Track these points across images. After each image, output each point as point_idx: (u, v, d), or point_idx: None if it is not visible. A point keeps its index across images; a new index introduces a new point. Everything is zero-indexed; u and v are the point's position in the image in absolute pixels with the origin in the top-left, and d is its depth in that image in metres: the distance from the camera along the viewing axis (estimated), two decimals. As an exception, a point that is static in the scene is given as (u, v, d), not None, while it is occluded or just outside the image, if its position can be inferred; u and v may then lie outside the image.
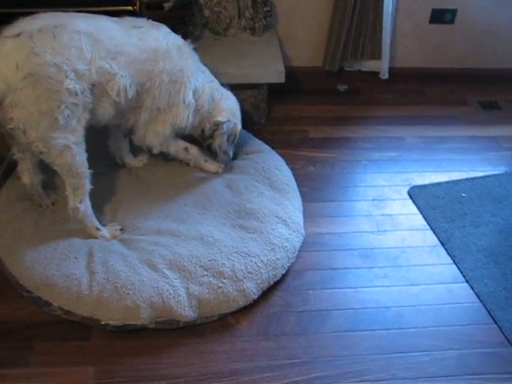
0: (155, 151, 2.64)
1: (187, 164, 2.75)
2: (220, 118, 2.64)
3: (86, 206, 2.33)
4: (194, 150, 2.71)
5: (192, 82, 2.52)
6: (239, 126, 2.75)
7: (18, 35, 2.07)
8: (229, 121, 2.66)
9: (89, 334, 2.13)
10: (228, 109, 2.69)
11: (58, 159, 2.21)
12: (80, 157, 2.24)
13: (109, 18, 2.36)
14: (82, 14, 2.29)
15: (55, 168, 2.27)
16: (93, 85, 2.20)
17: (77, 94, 2.14)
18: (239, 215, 2.49)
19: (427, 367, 2.07)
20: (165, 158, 2.73)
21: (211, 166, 2.75)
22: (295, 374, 2.03)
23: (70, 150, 2.19)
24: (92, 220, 2.38)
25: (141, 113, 2.48)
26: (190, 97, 2.51)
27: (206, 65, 2.70)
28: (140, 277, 2.17)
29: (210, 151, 2.71)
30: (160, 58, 2.39)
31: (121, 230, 2.43)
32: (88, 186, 2.32)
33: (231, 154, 2.74)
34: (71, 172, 2.25)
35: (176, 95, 2.47)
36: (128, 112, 2.46)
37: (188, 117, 2.55)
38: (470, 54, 3.76)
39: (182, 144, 2.69)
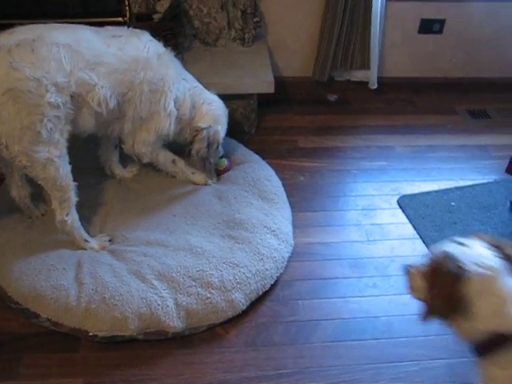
0: (145, 160, 2.64)
1: (173, 177, 2.74)
2: (200, 124, 2.63)
3: (73, 219, 2.33)
4: (181, 163, 2.71)
5: (173, 91, 2.50)
6: (222, 133, 2.71)
7: None
8: (210, 127, 2.63)
9: (77, 345, 2.12)
10: (210, 114, 2.66)
11: (41, 173, 2.20)
12: (64, 169, 2.23)
13: (88, 27, 2.35)
14: (60, 25, 2.29)
15: (39, 182, 2.26)
16: (72, 96, 2.19)
17: (58, 107, 2.13)
18: (228, 225, 2.49)
19: (416, 377, 2.07)
20: (154, 168, 2.73)
21: (199, 177, 2.74)
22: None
23: (54, 164, 2.18)
24: (80, 232, 2.37)
25: (124, 123, 2.47)
26: (171, 106, 2.51)
27: (193, 74, 2.70)
28: (128, 288, 2.17)
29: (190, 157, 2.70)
30: (140, 68, 2.38)
31: (110, 240, 2.43)
32: (74, 199, 2.31)
33: (212, 161, 2.70)
34: (56, 185, 2.24)
35: (157, 104, 2.46)
36: (112, 122, 2.46)
37: (170, 125, 2.54)
38: (458, 64, 3.79)
39: (170, 156, 2.69)
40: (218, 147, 2.70)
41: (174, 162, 2.70)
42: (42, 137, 2.12)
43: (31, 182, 2.40)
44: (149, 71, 2.40)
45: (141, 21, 2.99)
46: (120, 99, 2.37)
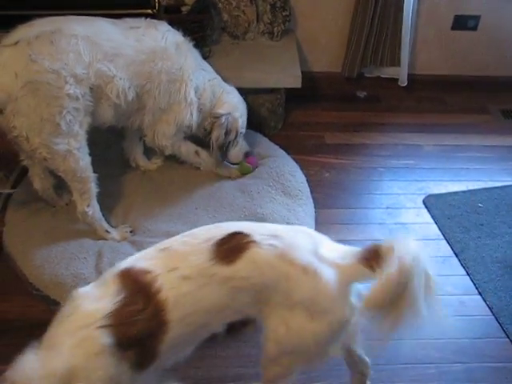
0: (167, 152, 2.64)
1: (198, 168, 2.74)
2: (220, 110, 2.62)
3: (94, 210, 2.35)
4: (204, 154, 2.70)
5: (193, 81, 2.50)
6: (240, 121, 2.68)
7: (16, 43, 2.08)
8: (229, 114, 2.62)
9: (95, 334, 2.14)
10: (230, 102, 2.66)
11: (61, 165, 2.23)
12: (83, 161, 2.25)
13: (106, 19, 2.36)
14: (79, 17, 2.30)
15: (60, 174, 2.28)
16: (91, 88, 2.20)
17: (77, 99, 2.14)
18: (250, 220, 2.48)
19: (434, 380, 2.04)
20: (178, 160, 2.73)
21: (223, 170, 2.74)
22: (299, 381, 1.98)
23: (73, 156, 2.20)
24: (101, 223, 2.39)
25: (144, 115, 2.48)
26: (191, 95, 2.50)
27: (221, 67, 2.72)
28: (147, 279, 2.17)
29: (209, 147, 2.68)
30: (158, 58, 2.37)
31: (131, 231, 2.44)
32: (94, 190, 2.33)
33: (228, 152, 2.68)
34: (76, 177, 2.26)
35: (176, 94, 2.46)
36: (131, 114, 2.46)
37: (191, 115, 2.54)
38: (492, 62, 3.71)
39: (193, 147, 2.69)
40: (236, 137, 2.67)
41: (197, 152, 2.70)
42: (61, 129, 2.13)
43: (54, 173, 2.42)
44: (166, 61, 2.40)
45: (169, 13, 2.99)
46: (139, 91, 2.37)
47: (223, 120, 2.60)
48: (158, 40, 2.40)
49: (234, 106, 2.66)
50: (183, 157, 2.70)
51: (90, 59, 2.18)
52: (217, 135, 2.61)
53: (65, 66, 2.10)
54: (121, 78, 2.27)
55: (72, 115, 2.15)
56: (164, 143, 2.58)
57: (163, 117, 2.50)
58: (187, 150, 2.67)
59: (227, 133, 2.62)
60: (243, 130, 2.71)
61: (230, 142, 2.64)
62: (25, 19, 2.18)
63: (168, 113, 2.50)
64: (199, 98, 2.56)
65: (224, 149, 2.64)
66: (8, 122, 2.10)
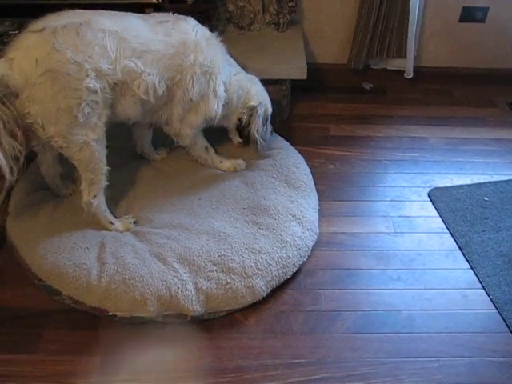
0: (186, 142, 2.63)
1: (202, 164, 2.76)
2: (253, 103, 2.67)
3: (99, 201, 2.34)
4: (212, 151, 2.74)
5: (222, 74, 2.51)
6: (270, 108, 2.78)
7: (42, 30, 2.07)
8: (261, 103, 2.69)
9: (97, 324, 2.15)
10: (258, 93, 2.72)
11: (77, 154, 2.22)
12: (100, 153, 2.25)
13: (135, 14, 2.35)
14: (109, 12, 2.29)
15: (73, 162, 2.28)
16: (115, 83, 2.19)
17: (96, 92, 2.13)
18: (253, 211, 2.47)
19: (435, 373, 2.02)
20: (183, 152, 2.73)
21: (227, 165, 2.76)
22: (299, 373, 2.01)
23: (90, 147, 2.20)
24: (105, 214, 2.39)
25: (173, 107, 2.46)
26: (221, 89, 2.52)
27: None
28: (149, 269, 2.17)
29: (247, 140, 2.77)
30: (190, 51, 2.37)
31: (135, 222, 2.44)
32: (104, 183, 2.33)
33: (268, 138, 2.78)
34: (89, 167, 2.26)
35: (207, 86, 2.46)
36: (159, 108, 2.45)
37: (218, 107, 2.54)
38: (500, 54, 3.67)
39: (205, 143, 2.71)
40: (267, 122, 2.75)
41: (206, 148, 2.72)
42: (78, 120, 2.13)
43: (62, 162, 2.43)
44: (199, 54, 2.39)
45: (174, 2, 2.98)
46: (169, 83, 2.36)
47: (259, 111, 2.68)
48: (189, 33, 2.40)
49: (263, 96, 2.74)
50: (195, 150, 2.71)
51: (117, 55, 2.16)
52: (256, 127, 2.68)
53: (88, 58, 2.09)
54: (149, 74, 2.26)
55: (91, 107, 2.13)
56: (188, 132, 2.57)
57: (192, 108, 2.49)
58: (201, 143, 2.69)
59: (264, 122, 2.71)
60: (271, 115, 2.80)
61: (266, 128, 2.74)
62: (55, 9, 2.19)
63: (198, 104, 2.49)
64: (226, 92, 2.57)
65: (263, 137, 2.71)
66: (23, 107, 2.10)
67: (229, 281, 2.18)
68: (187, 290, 2.13)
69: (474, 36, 3.60)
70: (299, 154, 2.86)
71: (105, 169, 2.31)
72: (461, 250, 2.51)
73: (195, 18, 2.86)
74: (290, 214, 2.46)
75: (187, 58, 2.36)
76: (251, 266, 2.22)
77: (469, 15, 3.52)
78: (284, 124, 3.24)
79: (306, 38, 3.41)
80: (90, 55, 2.10)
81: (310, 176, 2.73)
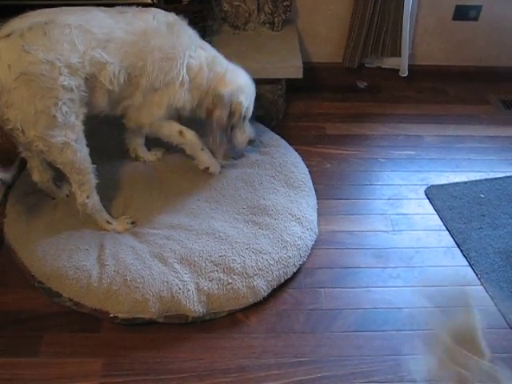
0: (145, 131, 2.58)
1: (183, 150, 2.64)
2: (222, 90, 2.48)
3: (93, 201, 2.33)
4: (189, 134, 2.58)
5: (185, 59, 2.42)
6: (245, 104, 2.54)
7: (9, 35, 2.05)
8: (232, 94, 2.49)
9: (98, 326, 2.14)
10: (234, 82, 2.52)
11: (59, 157, 2.20)
12: (81, 153, 2.22)
13: (98, 8, 2.33)
14: (71, 8, 2.27)
15: (58, 166, 2.27)
16: (86, 78, 2.18)
17: (72, 90, 2.11)
18: (252, 211, 2.48)
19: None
20: (179, 151, 2.69)
21: (205, 156, 2.64)
22: (302, 372, 2.01)
23: (71, 147, 2.18)
24: (102, 214, 2.38)
25: (135, 97, 2.41)
26: (183, 73, 2.42)
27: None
28: (150, 270, 2.17)
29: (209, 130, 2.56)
30: (150, 37, 2.33)
31: (133, 223, 2.43)
32: (94, 181, 2.31)
33: (227, 138, 2.56)
34: (74, 169, 2.24)
35: (170, 73, 2.39)
36: (125, 98, 2.41)
37: (184, 95, 2.45)
38: (493, 52, 3.69)
39: (176, 127, 2.56)
40: (239, 120, 2.56)
41: (180, 132, 2.57)
42: (57, 121, 2.11)
43: (53, 165, 2.40)
44: (159, 39, 2.35)
45: (169, 3, 2.96)
46: (130, 71, 2.31)
47: (226, 100, 2.48)
48: (149, 21, 2.37)
49: (238, 87, 2.53)
50: (165, 138, 2.59)
51: (85, 48, 2.15)
52: (218, 115, 2.49)
53: (59, 56, 2.08)
54: (112, 63, 2.23)
55: (68, 106, 2.12)
56: (145, 121, 2.49)
57: (155, 98, 2.43)
58: (169, 129, 2.56)
59: (230, 115, 2.52)
60: (248, 115, 2.61)
61: (233, 124, 2.56)
62: (19, 9, 2.16)
63: (162, 93, 2.43)
64: (194, 78, 2.47)
65: (228, 131, 2.54)
66: (2, 114, 2.07)
67: (230, 281, 2.18)
68: (188, 290, 2.13)
69: (468, 34, 3.61)
70: (297, 154, 2.87)
71: (90, 167, 2.29)
72: (459, 247, 2.53)
73: (190, 18, 2.87)
74: (290, 214, 2.46)
75: (148, 44, 2.33)
76: (252, 266, 2.23)
77: (462, 13, 3.53)
78: (280, 123, 3.24)
79: (301, 37, 3.41)
80: (61, 52, 2.08)
81: (309, 175, 2.74)
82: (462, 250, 2.51)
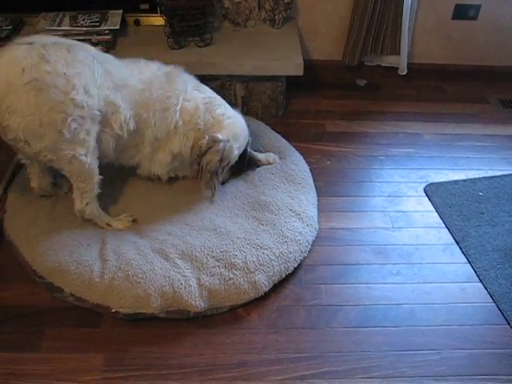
0: (164, 180, 2.60)
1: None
2: (219, 135, 2.44)
3: (92, 208, 2.33)
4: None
5: (178, 104, 2.43)
6: (235, 153, 2.51)
7: (31, 43, 2.05)
8: (228, 141, 2.45)
9: (99, 321, 2.14)
10: (230, 129, 2.50)
11: (66, 166, 2.20)
12: (90, 165, 2.21)
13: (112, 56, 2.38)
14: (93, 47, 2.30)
15: (64, 173, 2.26)
16: (99, 110, 2.17)
17: (83, 107, 2.08)
18: (253, 207, 2.49)
19: (437, 366, 2.05)
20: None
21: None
22: (303, 367, 2.02)
23: (80, 161, 2.17)
24: (101, 218, 2.39)
25: (143, 148, 2.45)
26: (176, 118, 2.44)
27: (222, 54, 2.70)
28: (152, 266, 2.18)
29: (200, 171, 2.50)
30: (154, 88, 2.37)
31: (134, 220, 2.44)
32: (96, 190, 2.31)
33: (218, 178, 2.50)
34: (80, 178, 2.24)
35: (168, 122, 2.43)
36: (131, 147, 2.43)
37: (180, 139, 2.48)
38: (492, 51, 3.70)
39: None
40: (227, 165, 2.51)
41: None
42: (64, 136, 2.08)
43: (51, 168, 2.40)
44: (158, 90, 2.39)
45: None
46: (137, 120, 2.34)
47: (220, 146, 2.42)
48: (154, 71, 2.42)
49: (234, 135, 2.50)
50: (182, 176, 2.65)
51: (101, 83, 2.15)
52: (209, 159, 2.43)
53: (77, 74, 2.06)
54: (124, 109, 2.26)
55: (77, 123, 2.08)
56: (160, 172, 2.54)
57: (160, 148, 2.47)
58: (184, 173, 2.64)
59: (221, 160, 2.44)
60: (234, 161, 2.55)
61: (221, 168, 2.48)
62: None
63: (164, 143, 2.47)
64: (190, 119, 2.46)
65: (214, 174, 2.47)
66: (2, 119, 2.03)
67: (231, 276, 2.19)
68: (190, 285, 2.14)
69: (467, 33, 3.62)
70: (297, 152, 2.87)
71: (97, 178, 2.28)
72: (458, 244, 2.54)
73: (191, 15, 2.92)
74: (290, 210, 2.47)
75: (152, 95, 2.37)
76: (253, 262, 2.23)
77: (461, 12, 3.53)
78: (280, 120, 3.25)
79: (301, 35, 3.41)
80: (80, 72, 2.07)
81: (309, 172, 2.75)
82: (461, 247, 2.52)
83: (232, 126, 2.53)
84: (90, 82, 2.11)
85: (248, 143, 2.63)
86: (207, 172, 2.45)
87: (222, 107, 2.56)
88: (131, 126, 2.31)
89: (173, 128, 2.45)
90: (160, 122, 2.41)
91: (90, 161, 2.20)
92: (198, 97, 2.51)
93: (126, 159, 2.49)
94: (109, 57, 2.33)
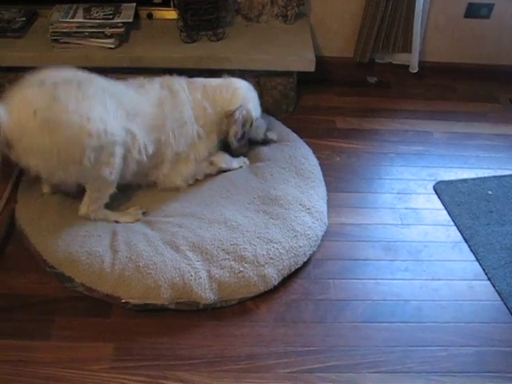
0: (184, 187, 2.60)
1: None
2: (230, 107, 2.57)
3: (97, 213, 2.36)
4: (219, 161, 2.68)
5: (189, 116, 2.48)
6: (253, 113, 2.64)
7: (42, 83, 2.07)
8: (241, 106, 2.58)
9: (109, 311, 2.16)
10: (235, 95, 2.60)
11: (90, 183, 2.28)
12: (113, 181, 2.27)
13: (120, 82, 2.39)
14: (101, 77, 2.30)
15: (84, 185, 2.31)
16: (119, 136, 2.20)
17: (99, 137, 2.10)
18: (263, 201, 2.49)
19: (444, 362, 2.05)
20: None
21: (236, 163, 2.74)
22: (311, 361, 2.03)
23: (105, 179, 2.23)
24: (107, 218, 2.40)
25: (163, 166, 2.49)
26: (194, 128, 2.51)
27: (234, 49, 2.76)
28: (162, 257, 2.19)
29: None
30: (165, 109, 2.40)
31: (144, 213, 2.45)
32: (107, 200, 2.36)
33: (246, 143, 2.68)
34: (98, 190, 2.30)
35: (187, 136, 2.48)
36: (150, 168, 2.48)
37: (205, 144, 2.55)
38: (504, 51, 3.69)
39: (204, 167, 2.65)
40: (252, 124, 2.64)
41: (211, 163, 2.66)
42: (85, 167, 2.12)
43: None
44: (170, 109, 2.42)
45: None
46: (156, 143, 2.39)
47: (237, 115, 2.55)
48: (158, 90, 2.44)
49: (242, 98, 2.61)
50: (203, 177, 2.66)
51: (115, 115, 2.17)
52: (235, 131, 2.58)
53: (89, 110, 2.08)
54: (141, 136, 2.29)
55: (96, 152, 2.12)
56: (179, 183, 2.56)
57: (182, 160, 2.52)
58: (202, 172, 2.64)
59: (244, 124, 2.59)
60: (258, 114, 2.69)
61: (247, 132, 2.63)
62: None
63: (185, 155, 2.52)
64: (205, 122, 2.54)
65: (244, 139, 2.63)
66: (20, 160, 2.10)
67: (241, 269, 2.20)
68: (200, 277, 2.15)
69: (479, 32, 3.61)
70: (307, 146, 2.88)
71: (112, 190, 2.33)
72: (466, 242, 2.54)
73: (204, 9, 2.92)
74: (300, 204, 2.48)
75: (164, 116, 2.39)
76: (263, 255, 2.24)
77: (474, 11, 3.52)
78: (290, 115, 3.26)
79: (313, 31, 3.40)
80: (91, 107, 2.09)
81: (319, 167, 2.76)
82: (469, 246, 2.52)
83: (235, 91, 2.61)
84: (103, 114, 2.13)
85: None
86: (235, 142, 2.61)
87: (215, 86, 2.60)
88: (150, 150, 2.36)
89: (196, 138, 2.52)
90: (180, 139, 2.46)
91: (114, 178, 2.25)
92: (197, 97, 2.54)
93: (145, 179, 2.53)
94: (118, 86, 2.32)
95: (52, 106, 2.03)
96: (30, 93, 2.05)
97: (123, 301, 2.12)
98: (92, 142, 2.08)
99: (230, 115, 2.57)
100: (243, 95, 2.63)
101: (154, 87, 2.44)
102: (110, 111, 2.15)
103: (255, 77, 3.08)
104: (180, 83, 2.53)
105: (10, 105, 2.05)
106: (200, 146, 2.55)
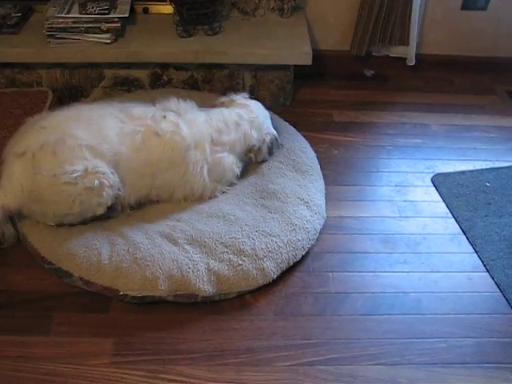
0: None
1: None
2: (253, 142, 2.57)
3: None
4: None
5: (192, 152, 2.39)
6: (272, 129, 2.69)
7: (23, 154, 2.16)
8: (263, 137, 2.60)
9: (108, 306, 2.15)
10: (254, 126, 2.57)
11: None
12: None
13: (112, 112, 2.34)
14: (86, 117, 2.29)
15: None
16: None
17: (82, 182, 2.16)
18: (261, 195, 2.49)
19: (443, 354, 2.05)
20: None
21: None
22: (311, 354, 2.03)
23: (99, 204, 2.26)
24: None
25: (174, 198, 2.47)
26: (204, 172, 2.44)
27: (231, 43, 2.77)
28: (160, 250, 2.19)
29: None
30: (163, 155, 2.35)
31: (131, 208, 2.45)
32: None
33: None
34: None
35: (197, 170, 2.41)
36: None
37: (234, 170, 2.54)
38: (501, 42, 3.69)
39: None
40: (277, 141, 2.71)
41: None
42: (77, 208, 2.21)
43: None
44: (168, 150, 2.35)
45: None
46: (153, 192, 2.41)
47: (264, 149, 2.62)
48: (148, 123, 2.35)
49: (259, 127, 2.60)
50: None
51: (93, 167, 2.18)
52: (262, 158, 2.65)
53: (65, 173, 2.14)
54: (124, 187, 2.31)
55: (84, 195, 2.19)
56: (198, 192, 2.49)
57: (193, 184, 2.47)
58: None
59: (269, 149, 2.65)
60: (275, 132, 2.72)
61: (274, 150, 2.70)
62: None
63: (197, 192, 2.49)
64: (222, 145, 2.48)
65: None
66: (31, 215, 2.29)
67: (240, 262, 2.19)
68: (198, 270, 2.14)
69: (475, 24, 3.61)
70: (304, 139, 2.88)
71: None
72: (465, 234, 2.54)
73: (200, 3, 2.90)
74: (298, 198, 2.48)
75: (162, 163, 2.35)
76: (262, 249, 2.24)
77: (470, 3, 3.52)
78: (288, 109, 3.26)
79: (309, 25, 3.40)
80: (67, 170, 2.14)
81: (316, 160, 2.75)
82: (467, 237, 2.52)
83: (252, 123, 2.57)
84: (84, 167, 2.17)
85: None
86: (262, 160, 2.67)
87: (228, 117, 2.54)
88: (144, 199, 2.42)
89: (223, 170, 2.51)
90: (194, 176, 2.42)
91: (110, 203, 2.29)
92: (208, 130, 2.46)
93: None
94: (104, 127, 2.26)
95: (33, 180, 2.15)
96: (14, 168, 2.17)
97: (121, 293, 2.11)
98: (76, 190, 2.16)
99: (256, 149, 2.60)
100: (260, 125, 2.62)
101: (142, 119, 2.35)
102: (88, 166, 2.17)
103: (252, 71, 3.08)
104: (183, 107, 2.49)
105: (4, 185, 2.20)
106: (227, 163, 2.52)
